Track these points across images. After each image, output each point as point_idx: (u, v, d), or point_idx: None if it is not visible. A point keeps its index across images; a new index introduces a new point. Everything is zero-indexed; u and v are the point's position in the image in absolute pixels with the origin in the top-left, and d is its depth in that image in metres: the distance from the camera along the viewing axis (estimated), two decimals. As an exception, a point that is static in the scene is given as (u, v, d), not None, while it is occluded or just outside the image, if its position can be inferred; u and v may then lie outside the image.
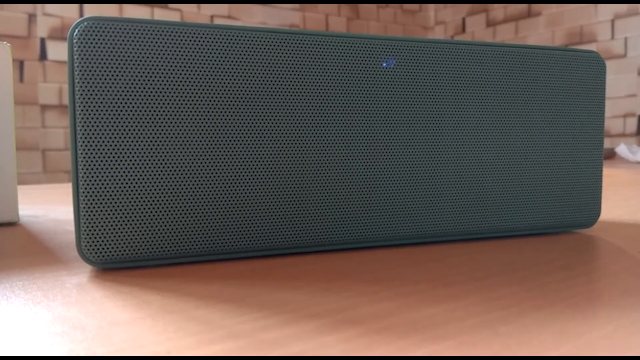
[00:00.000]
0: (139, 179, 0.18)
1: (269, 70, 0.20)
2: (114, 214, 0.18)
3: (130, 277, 0.18)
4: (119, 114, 0.18)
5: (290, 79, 0.20)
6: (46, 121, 1.35)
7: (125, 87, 0.18)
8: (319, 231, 0.21)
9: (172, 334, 0.12)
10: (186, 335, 0.12)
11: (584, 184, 0.25)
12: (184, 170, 0.19)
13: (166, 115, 0.19)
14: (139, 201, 0.18)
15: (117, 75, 0.18)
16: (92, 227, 0.18)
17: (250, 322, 0.13)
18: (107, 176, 0.18)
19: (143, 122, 0.18)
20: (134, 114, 0.18)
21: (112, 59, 0.18)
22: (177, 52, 0.19)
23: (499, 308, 0.14)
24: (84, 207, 0.18)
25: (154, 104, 0.18)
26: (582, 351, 0.11)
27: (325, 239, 0.21)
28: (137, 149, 0.18)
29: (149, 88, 0.18)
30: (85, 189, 0.18)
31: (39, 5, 1.33)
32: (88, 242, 0.18)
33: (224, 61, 0.19)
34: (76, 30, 0.18)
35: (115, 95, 0.18)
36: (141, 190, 0.18)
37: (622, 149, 1.03)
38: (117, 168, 0.18)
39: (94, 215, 0.18)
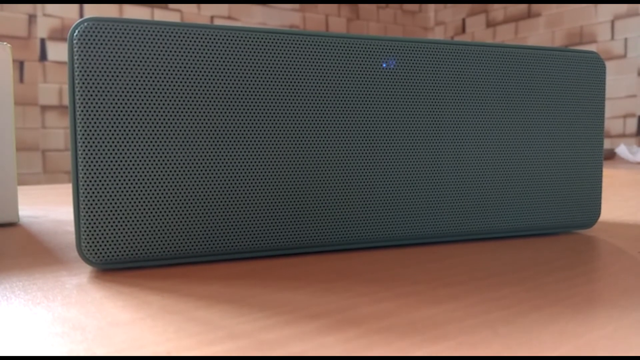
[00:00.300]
0: (139, 180, 0.18)
1: (269, 70, 0.20)
2: (114, 214, 0.18)
3: (130, 278, 0.18)
4: (119, 115, 0.18)
5: (290, 79, 0.20)
6: (46, 122, 1.35)
7: (125, 88, 0.18)
8: (319, 231, 0.21)
9: (172, 334, 0.12)
10: (186, 335, 0.12)
11: (584, 184, 0.25)
12: (183, 171, 0.19)
13: (166, 115, 0.19)
14: (139, 202, 0.18)
15: (117, 76, 0.18)
16: (92, 227, 0.18)
17: (250, 322, 0.13)
18: (107, 177, 0.18)
19: (143, 123, 0.18)
20: (134, 115, 0.18)
21: (112, 60, 0.18)
22: (177, 52, 0.19)
23: (499, 308, 0.14)
24: (84, 208, 0.18)
25: (154, 104, 0.18)
26: (582, 351, 0.11)
27: (325, 240, 0.21)
28: (137, 150, 0.18)
29: (149, 88, 0.18)
30: (85, 189, 0.18)
31: (39, 6, 1.33)
32: (88, 242, 0.18)
33: (224, 62, 0.19)
34: (76, 31, 0.18)
35: (116, 95, 0.18)
36: (141, 190, 0.18)
37: (622, 150, 1.03)
38: (117, 168, 0.18)
39: (94, 215, 0.18)
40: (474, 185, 0.23)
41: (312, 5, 1.76)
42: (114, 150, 0.18)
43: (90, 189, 0.18)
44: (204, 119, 0.19)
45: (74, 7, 1.38)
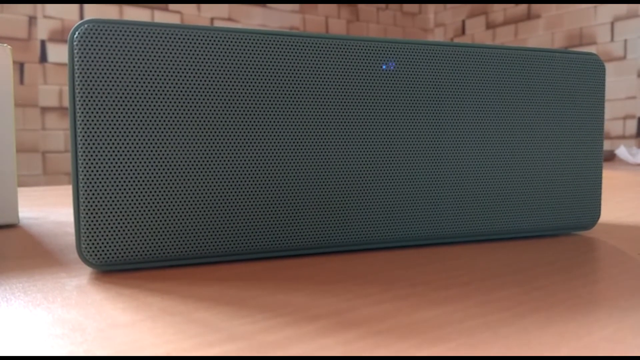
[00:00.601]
0: (139, 181, 0.18)
1: (270, 72, 0.20)
2: (114, 216, 0.18)
3: (130, 279, 0.18)
4: (119, 116, 0.18)
5: (290, 81, 0.20)
6: (46, 123, 1.35)
7: (125, 89, 0.18)
8: (319, 233, 0.21)
9: (172, 336, 0.12)
10: (186, 337, 0.12)
11: (583, 186, 0.25)
12: (184, 173, 0.19)
13: (167, 117, 0.19)
14: (139, 203, 0.18)
15: (118, 78, 0.18)
16: (92, 229, 0.18)
17: (250, 324, 0.13)
18: (108, 178, 0.18)
19: (143, 124, 0.18)
20: (134, 116, 0.18)
21: (112, 61, 0.18)
22: (177, 54, 0.19)
23: (499, 310, 0.14)
24: (84, 209, 0.18)
25: (155, 106, 0.18)
26: (582, 353, 0.11)
27: (326, 241, 0.21)
28: (138, 151, 0.18)
29: (149, 90, 0.18)
30: (86, 191, 0.18)
31: (39, 8, 1.33)
32: (88, 244, 0.18)
33: (224, 63, 0.19)
34: (77, 33, 0.18)
35: (116, 97, 0.18)
36: (141, 192, 0.18)
37: (621, 151, 1.03)
38: (117, 170, 0.18)
39: (94, 217, 0.18)
40: (474, 187, 0.23)
41: (312, 7, 1.77)
42: (114, 152, 0.18)
43: (91, 190, 0.18)
44: (204, 121, 0.19)
45: (74, 9, 1.38)
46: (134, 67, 0.18)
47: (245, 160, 0.20)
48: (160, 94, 0.19)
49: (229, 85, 0.19)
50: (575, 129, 0.25)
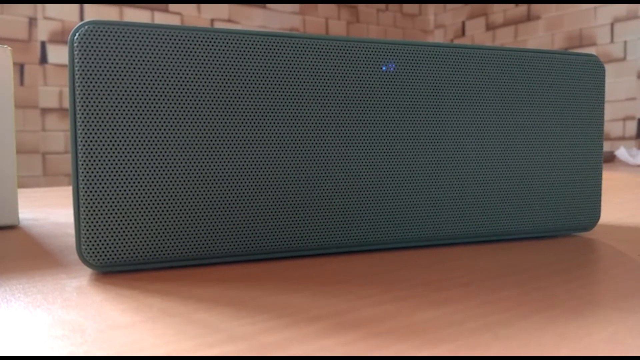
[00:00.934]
0: (139, 182, 0.18)
1: (270, 73, 0.20)
2: (114, 217, 0.18)
3: (130, 280, 0.18)
4: (119, 118, 0.18)
5: (290, 82, 0.20)
6: (46, 124, 1.36)
7: (125, 91, 0.18)
8: (320, 234, 0.21)
9: (172, 337, 0.12)
10: (186, 338, 0.12)
11: (583, 187, 0.25)
12: (184, 174, 0.19)
13: (167, 118, 0.19)
14: (140, 204, 0.18)
15: (118, 79, 0.18)
16: (92, 230, 0.18)
17: (250, 325, 0.13)
18: (108, 179, 0.18)
19: (143, 126, 0.18)
20: (134, 118, 0.18)
21: (112, 63, 0.18)
22: (177, 55, 0.19)
23: (498, 311, 0.14)
24: (84, 210, 0.18)
25: (155, 107, 0.18)
26: (582, 354, 0.11)
27: (326, 242, 0.21)
28: (138, 153, 0.18)
29: (149, 91, 0.18)
30: (86, 192, 0.18)
31: (39, 9, 1.33)
32: (88, 245, 0.18)
33: (224, 65, 0.19)
34: (77, 34, 0.18)
35: (116, 98, 0.18)
36: (141, 193, 0.18)
37: (621, 152, 1.03)
38: (117, 171, 0.18)
39: (94, 218, 0.18)
40: (474, 188, 0.23)
41: (312, 8, 1.77)
42: (114, 153, 0.18)
43: (91, 191, 0.18)
44: (204, 122, 0.19)
45: (74, 11, 1.38)
46: (134, 68, 0.18)
47: (245, 162, 0.20)
48: (161, 95, 0.19)
49: (229, 87, 0.19)
50: (575, 131, 0.25)
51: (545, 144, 0.24)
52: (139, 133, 0.18)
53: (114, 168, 0.18)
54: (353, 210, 0.21)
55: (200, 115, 0.19)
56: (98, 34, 0.18)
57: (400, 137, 0.22)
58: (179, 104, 0.19)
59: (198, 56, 0.19)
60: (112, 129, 0.18)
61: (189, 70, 0.19)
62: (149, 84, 0.18)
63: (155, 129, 0.19)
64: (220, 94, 0.19)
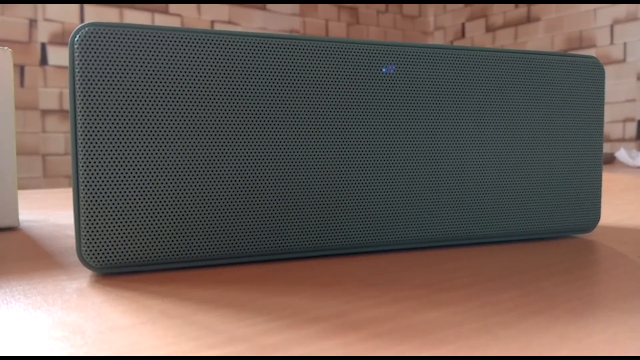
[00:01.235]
0: (139, 184, 0.18)
1: (269, 75, 0.20)
2: (114, 219, 0.18)
3: (130, 282, 0.18)
4: (119, 119, 0.18)
5: (290, 84, 0.20)
6: (46, 126, 1.36)
7: (126, 93, 0.18)
8: (319, 236, 0.21)
9: (172, 338, 0.12)
10: (186, 339, 0.12)
11: (583, 188, 0.25)
12: (184, 176, 0.19)
13: (167, 120, 0.19)
14: (140, 206, 0.18)
15: (118, 81, 0.18)
16: (93, 232, 0.18)
17: (250, 326, 0.13)
18: (108, 181, 0.18)
19: (144, 128, 0.18)
20: (134, 119, 0.18)
21: (113, 65, 0.18)
22: (177, 57, 0.19)
23: (498, 312, 0.14)
24: (85, 212, 0.18)
25: (155, 109, 0.19)
26: (582, 354, 0.11)
27: (326, 244, 0.21)
28: (138, 154, 0.18)
29: (150, 93, 0.18)
30: (86, 193, 0.18)
31: (40, 11, 1.34)
32: (88, 246, 0.18)
33: (224, 66, 0.19)
34: (77, 36, 0.18)
35: (116, 100, 0.18)
36: (142, 195, 0.18)
37: (621, 154, 1.03)
38: (117, 173, 0.18)
39: (95, 220, 0.18)
40: (474, 190, 0.23)
41: (312, 9, 1.77)
42: (114, 154, 0.18)
43: (91, 193, 0.18)
44: (205, 125, 0.19)
45: (74, 12, 1.38)
46: (135, 70, 0.18)
47: (245, 163, 0.20)
48: (161, 97, 0.19)
49: (228, 89, 0.19)
50: (574, 132, 0.25)
51: (545, 146, 0.24)
52: (139, 135, 0.18)
53: (114, 170, 0.18)
54: (353, 212, 0.21)
55: (200, 116, 0.19)
56: (99, 35, 0.18)
57: (399, 139, 0.22)
58: (179, 105, 0.19)
59: (198, 58, 0.19)
60: (112, 131, 0.18)
61: (189, 72, 0.19)
62: (149, 85, 0.18)
63: (155, 131, 0.19)
64: (220, 95, 0.19)
